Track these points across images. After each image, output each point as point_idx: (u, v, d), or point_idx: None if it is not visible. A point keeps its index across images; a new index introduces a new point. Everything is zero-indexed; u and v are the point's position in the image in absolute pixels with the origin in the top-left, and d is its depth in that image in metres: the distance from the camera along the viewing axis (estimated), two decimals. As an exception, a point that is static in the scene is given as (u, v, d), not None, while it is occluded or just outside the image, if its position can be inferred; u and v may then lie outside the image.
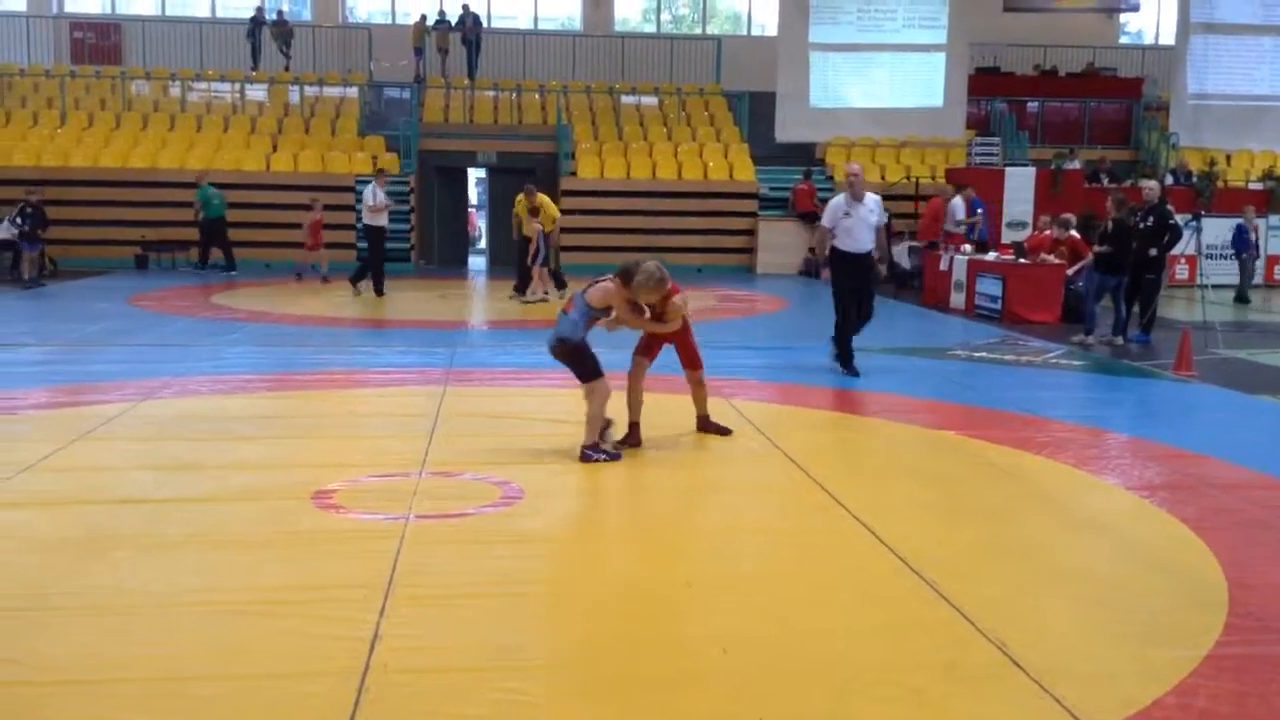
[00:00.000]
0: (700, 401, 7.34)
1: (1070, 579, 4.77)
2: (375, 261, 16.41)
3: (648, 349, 7.06)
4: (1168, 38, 27.42)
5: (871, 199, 9.71)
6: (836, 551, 5.04)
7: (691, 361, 7.21)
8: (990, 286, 14.67)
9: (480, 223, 28.85)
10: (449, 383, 8.98)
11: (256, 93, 24.40)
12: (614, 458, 6.51)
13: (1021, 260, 14.64)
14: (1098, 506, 5.95)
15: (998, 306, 14.32)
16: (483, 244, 26.98)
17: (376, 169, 17.38)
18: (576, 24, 28.05)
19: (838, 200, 9.86)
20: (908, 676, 3.69)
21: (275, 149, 22.17)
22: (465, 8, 25.17)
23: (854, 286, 9.77)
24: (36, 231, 17.24)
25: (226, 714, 3.37)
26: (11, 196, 18.32)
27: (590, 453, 6.45)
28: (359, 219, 18.79)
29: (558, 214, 16.52)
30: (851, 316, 9.85)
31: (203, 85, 24.50)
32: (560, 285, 16.18)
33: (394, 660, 3.73)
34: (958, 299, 15.51)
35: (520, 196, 16.15)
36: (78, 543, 4.92)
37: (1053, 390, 9.46)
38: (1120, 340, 12.14)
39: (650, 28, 28.87)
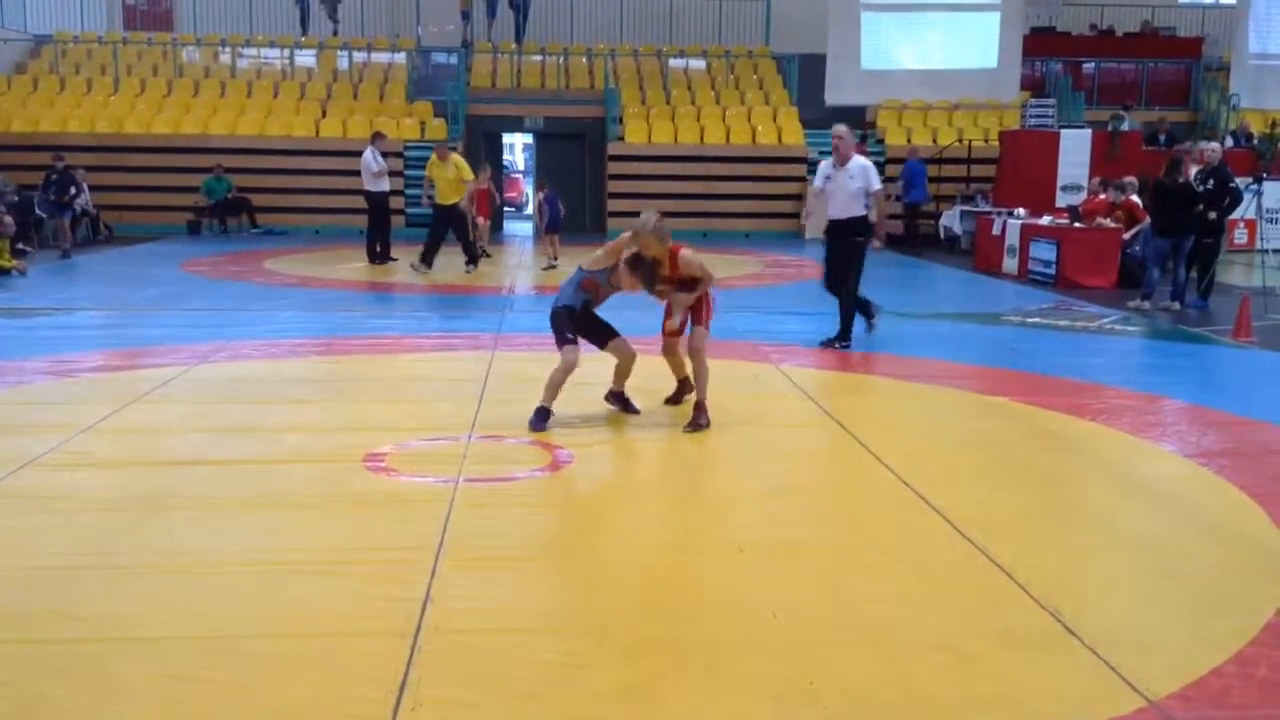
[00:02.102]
0: (699, 377, 6.56)
1: (1126, 546, 4.71)
2: (380, 230, 15.93)
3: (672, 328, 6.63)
4: (1229, -4, 26.75)
5: (857, 164, 9.09)
6: (888, 517, 5.00)
7: (698, 317, 6.58)
8: (1044, 251, 14.45)
9: (527, 188, 28.86)
10: (498, 347, 9.01)
11: (305, 58, 24.51)
12: (537, 428, 6.30)
13: (1076, 224, 14.41)
14: (1154, 473, 5.86)
15: (1051, 271, 14.11)
16: (530, 209, 26.99)
17: (373, 132, 17.04)
18: (624, -13, 27.82)
19: (823, 164, 9.41)
20: (961, 643, 3.66)
21: (324, 115, 22.29)
22: (512, -28, 25.08)
23: (832, 255, 9.34)
24: (63, 198, 17.24)
25: (282, 671, 3.42)
26: (69, 163, 18.56)
27: (537, 416, 6.35)
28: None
29: (473, 176, 15.22)
30: (831, 283, 9.40)
31: (252, 51, 24.64)
32: (473, 261, 15.12)
33: (445, 621, 3.76)
34: (1010, 264, 15.30)
35: (436, 159, 14.89)
36: (135, 503, 5.00)
37: (1108, 356, 9.32)
38: (1177, 306, 11.93)
39: (699, -10, 28.54)
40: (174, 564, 4.28)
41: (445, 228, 14.89)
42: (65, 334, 9.56)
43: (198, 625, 3.73)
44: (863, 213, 9.13)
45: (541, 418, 6.35)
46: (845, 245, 9.22)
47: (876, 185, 9.13)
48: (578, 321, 6.56)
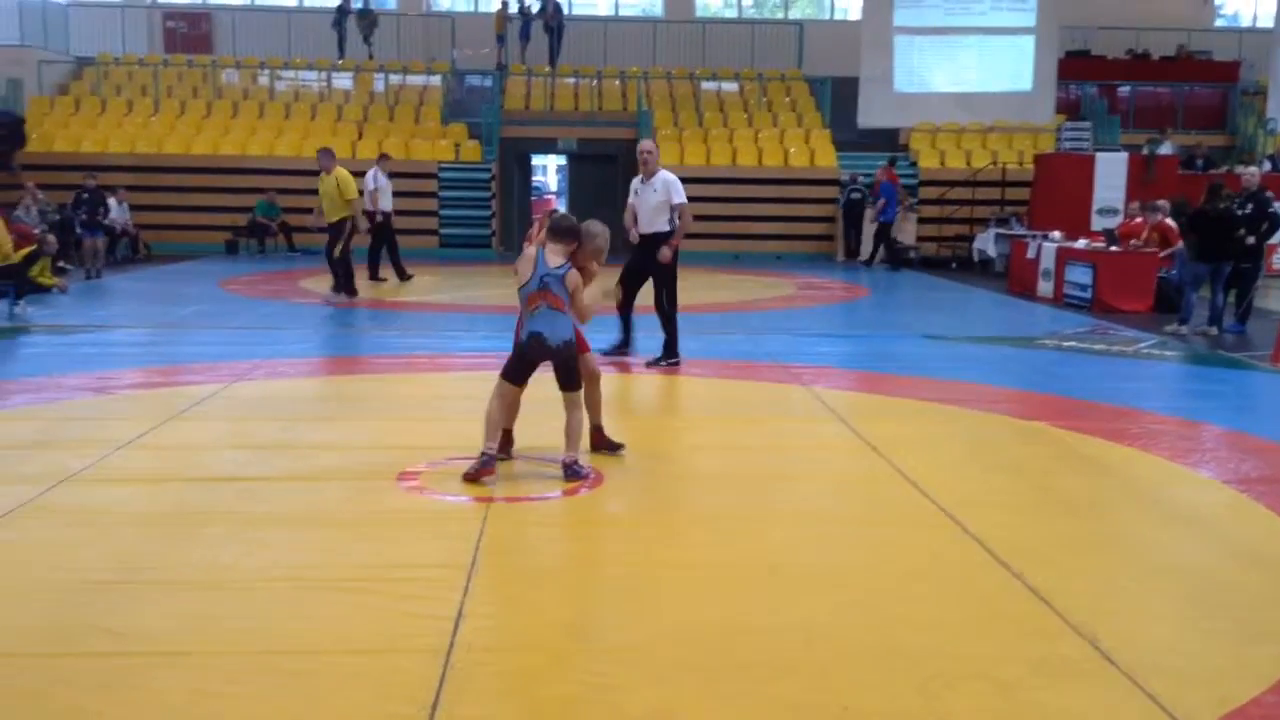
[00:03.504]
0: (595, 406, 6.22)
1: (1164, 573, 4.66)
2: (391, 248, 15.99)
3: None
4: (1266, 20, 26.57)
5: (661, 177, 9.07)
6: (921, 542, 4.97)
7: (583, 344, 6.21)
8: (1080, 274, 14.35)
9: (561, 209, 29.01)
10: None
11: (342, 81, 24.78)
12: (591, 473, 5.82)
13: (1113, 248, 14.32)
14: (1192, 500, 5.80)
15: (1087, 295, 14.01)
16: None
17: (380, 154, 16.92)
18: (658, 10, 28.00)
19: (635, 180, 9.36)
20: (996, 670, 3.63)
21: (360, 136, 22.49)
22: (543, -4, 25.29)
23: (634, 270, 9.32)
24: (95, 218, 17.38)
25: (316, 687, 3.44)
26: (109, 182, 18.86)
27: (578, 468, 5.77)
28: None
29: (355, 194, 13.66)
30: (626, 301, 9.33)
31: (290, 74, 24.94)
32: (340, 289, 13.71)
33: (478, 639, 3.77)
34: (1045, 287, 15.21)
35: (347, 174, 13.47)
36: (172, 519, 5.05)
37: (1145, 381, 9.23)
38: (1215, 330, 11.81)
39: (732, 13, 28.70)
40: (209, 579, 4.31)
41: (334, 248, 13.55)
42: (105, 351, 9.67)
43: (233, 641, 3.76)
44: (666, 228, 9.14)
45: (582, 471, 5.81)
46: (648, 260, 9.21)
47: (678, 199, 9.11)
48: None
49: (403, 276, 16.16)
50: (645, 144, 9.30)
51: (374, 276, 15.78)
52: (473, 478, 5.62)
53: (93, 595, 4.11)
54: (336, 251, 13.51)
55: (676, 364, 9.19)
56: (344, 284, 13.59)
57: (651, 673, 3.59)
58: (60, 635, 3.77)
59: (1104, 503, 5.66)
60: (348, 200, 13.41)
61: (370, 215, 15.72)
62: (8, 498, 5.23)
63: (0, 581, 4.26)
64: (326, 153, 13.75)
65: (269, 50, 25.60)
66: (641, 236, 9.21)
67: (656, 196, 9.07)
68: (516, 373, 5.89)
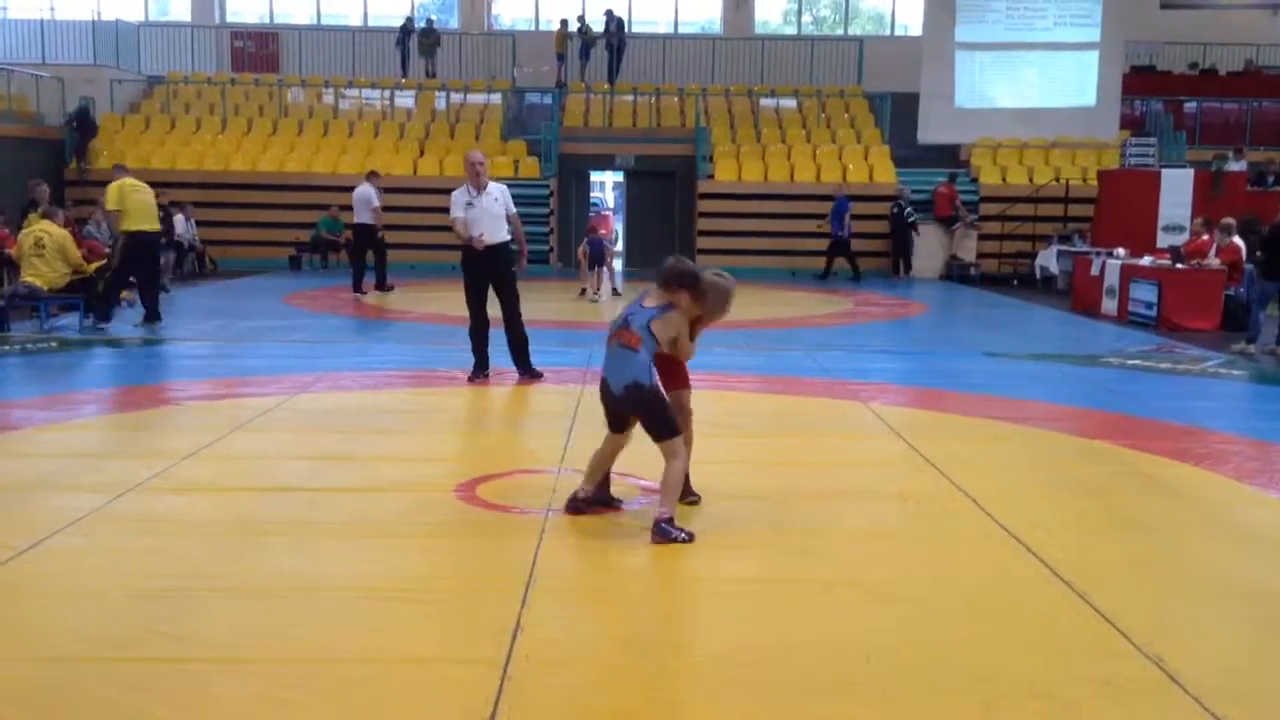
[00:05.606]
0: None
1: (1231, 595, 4.55)
2: (358, 261, 16.29)
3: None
4: (1340, 33, 26.03)
5: (497, 188, 9.10)
6: (983, 560, 4.91)
7: (683, 379, 5.63)
8: (1145, 292, 14.12)
9: (617, 226, 29.09)
10: (586, 382, 9.04)
11: (405, 99, 25.10)
12: (689, 538, 5.05)
13: (1179, 265, 14.07)
14: (1260, 521, 5.67)
15: (1153, 313, 13.77)
16: (619, 246, 27.16)
17: (369, 171, 17.28)
18: (716, 27, 28.06)
19: (458, 191, 9.18)
20: (1060, 690, 3.57)
21: (422, 154, 22.76)
22: (609, 13, 25.42)
23: (482, 284, 9.12)
24: (169, 235, 17.68)
25: (376, 696, 3.47)
26: (177, 198, 19.23)
27: (669, 529, 5.04)
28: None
29: (115, 207, 11.86)
30: (482, 318, 9.19)
31: (354, 92, 25.32)
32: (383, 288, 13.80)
33: (535, 651, 3.78)
34: (1109, 305, 14.97)
35: (115, 185, 11.80)
36: (235, 528, 5.13)
37: (1212, 400, 9.05)
38: (1285, 350, 11.55)
39: (791, 30, 28.69)
40: (271, 588, 4.38)
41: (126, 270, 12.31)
42: (171, 363, 9.87)
43: (293, 649, 3.81)
44: (508, 237, 9.14)
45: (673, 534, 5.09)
46: (499, 269, 9.08)
47: (512, 209, 9.18)
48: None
49: (358, 290, 16.23)
50: (478, 155, 9.30)
51: (381, 286, 16.33)
52: (568, 510, 5.42)
53: (158, 601, 4.18)
54: (101, 274, 12.15)
55: (539, 375, 9.28)
56: (101, 311, 12.00)
57: (708, 689, 3.58)
58: (125, 640, 3.85)
59: (1169, 523, 5.55)
60: (106, 212, 12.04)
61: (372, 229, 16.20)
62: (77, 505, 5.35)
63: (68, 587, 4.36)
64: (119, 168, 12.73)
65: (334, 69, 26.04)
66: (490, 247, 9.02)
67: (498, 206, 9.05)
68: (608, 421, 5.38)
